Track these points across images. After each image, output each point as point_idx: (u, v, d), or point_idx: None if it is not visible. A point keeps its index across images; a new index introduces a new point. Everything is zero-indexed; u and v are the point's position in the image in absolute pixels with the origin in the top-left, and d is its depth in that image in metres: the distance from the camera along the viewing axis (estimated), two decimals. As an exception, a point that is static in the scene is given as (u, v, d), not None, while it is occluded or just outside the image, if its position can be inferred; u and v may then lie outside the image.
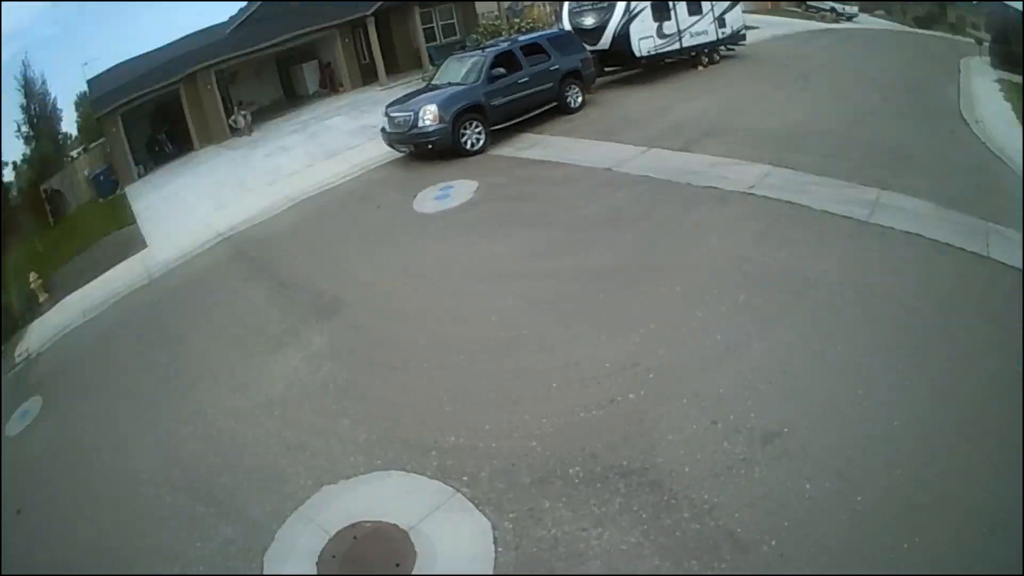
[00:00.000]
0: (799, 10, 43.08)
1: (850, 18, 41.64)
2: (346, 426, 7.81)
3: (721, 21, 25.61)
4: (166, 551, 6.76)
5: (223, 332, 11.12)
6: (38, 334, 14.45)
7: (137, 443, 8.71)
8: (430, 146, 16.36)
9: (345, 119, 23.87)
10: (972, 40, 32.57)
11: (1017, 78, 22.26)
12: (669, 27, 23.40)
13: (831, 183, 12.15)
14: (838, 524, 5.47)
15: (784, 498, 5.77)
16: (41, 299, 16.46)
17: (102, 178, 26.98)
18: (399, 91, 22.23)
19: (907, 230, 10.22)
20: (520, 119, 17.99)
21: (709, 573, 5.27)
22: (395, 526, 6.23)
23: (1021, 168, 12.80)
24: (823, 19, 40.20)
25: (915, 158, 13.81)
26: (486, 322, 9.33)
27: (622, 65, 23.34)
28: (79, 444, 9.31)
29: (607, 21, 22.13)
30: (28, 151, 32.72)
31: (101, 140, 28.88)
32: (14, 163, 30.09)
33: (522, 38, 20.13)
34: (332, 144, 21.07)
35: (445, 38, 31.34)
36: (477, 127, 16.77)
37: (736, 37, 26.73)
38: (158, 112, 28.95)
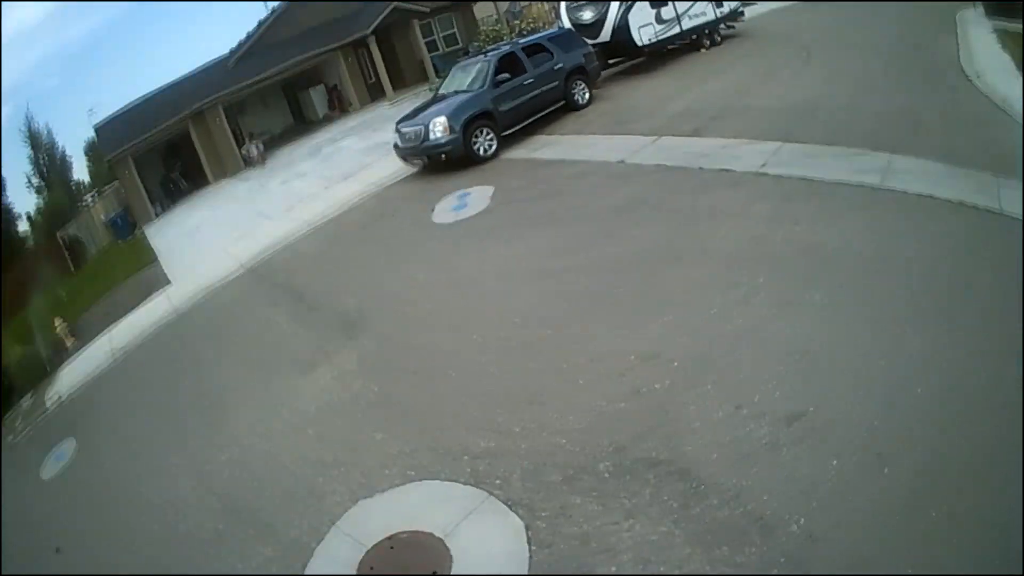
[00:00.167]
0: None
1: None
2: (378, 439, 7.90)
3: (719, 1, 25.54)
4: (206, 567, 6.93)
5: (252, 357, 11.29)
6: (68, 379, 14.69)
7: (173, 473, 8.87)
8: (443, 157, 16.46)
9: (357, 139, 24.04)
10: None
11: (1014, 26, 21.98)
12: (667, 12, 23.30)
13: (841, 153, 12.05)
14: (866, 498, 5.41)
15: (811, 477, 5.72)
16: (68, 344, 16.70)
17: (119, 221, 27.39)
18: (407, 105, 22.38)
19: (920, 192, 10.08)
20: (529, 121, 18.04)
21: (739, 558, 5.24)
22: (430, 534, 6.28)
23: (1022, 118, 12.48)
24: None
25: (921, 119, 13.62)
26: (509, 323, 9.40)
27: (625, 56, 23.30)
28: (115, 479, 9.52)
29: (605, 14, 22.11)
30: (41, 201, 33.25)
31: (114, 183, 29.27)
32: (28, 215, 30.64)
33: (523, 40, 20.18)
34: (346, 165, 21.25)
35: (448, 47, 31.46)
36: (488, 133, 16.86)
37: (735, 14, 26.61)
38: (169, 150, 29.34)
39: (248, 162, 26.81)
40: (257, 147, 26.99)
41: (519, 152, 16.90)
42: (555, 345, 8.58)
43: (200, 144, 27.42)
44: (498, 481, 6.67)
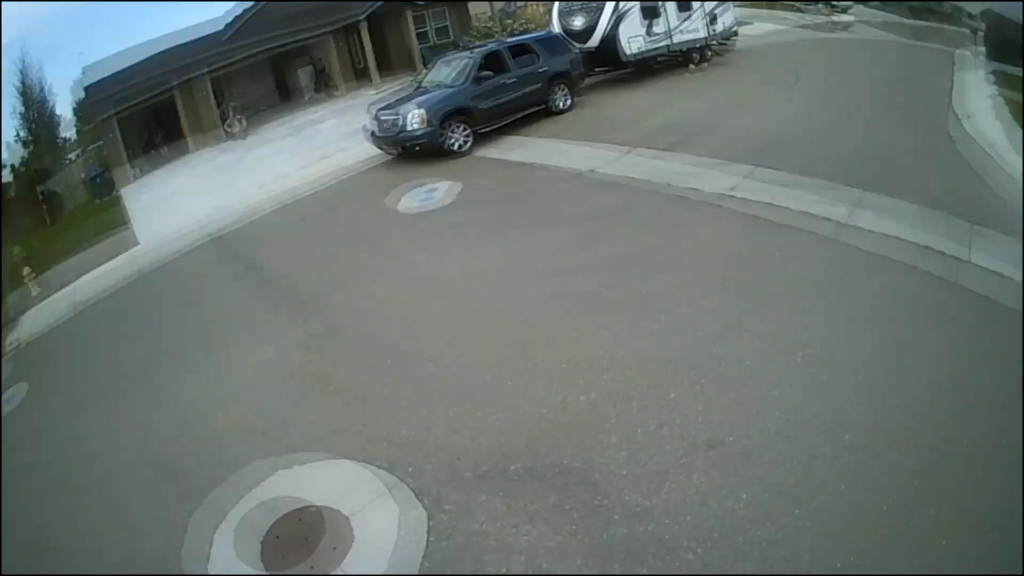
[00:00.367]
0: (795, 4, 43.10)
1: (845, 10, 41.61)
2: (308, 417, 8.07)
3: (712, 19, 25.70)
4: (131, 524, 7.04)
5: (206, 325, 11.35)
6: (29, 325, 14.73)
7: (114, 426, 8.98)
8: (417, 148, 16.55)
9: (337, 122, 24.07)
10: (967, 31, 32.55)
11: (1012, 70, 22.13)
12: (658, 27, 23.49)
13: (812, 184, 12.15)
14: (771, 536, 5.45)
15: (719, 506, 5.77)
16: (34, 293, 16.71)
17: (98, 180, 27.28)
18: (392, 92, 22.42)
19: (886, 233, 10.14)
20: (507, 120, 18.13)
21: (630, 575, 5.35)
22: (338, 512, 6.48)
23: (1022, 171, 12.30)
24: (819, 13, 40.17)
25: (901, 157, 13.78)
26: (455, 320, 9.53)
27: (611, 66, 23.37)
28: (60, 425, 9.57)
29: (596, 22, 22.24)
30: (26, 155, 33.12)
31: (98, 143, 29.17)
32: (12, 167, 30.48)
33: (510, 40, 20.35)
34: (324, 146, 21.30)
35: (439, 40, 31.49)
36: (464, 129, 16.95)
37: (727, 36, 26.86)
38: (154, 115, 29.18)
39: (229, 134, 26.80)
40: (240, 120, 26.96)
41: (492, 151, 16.99)
42: (497, 346, 8.70)
43: (185, 113, 27.38)
44: (411, 470, 6.79)
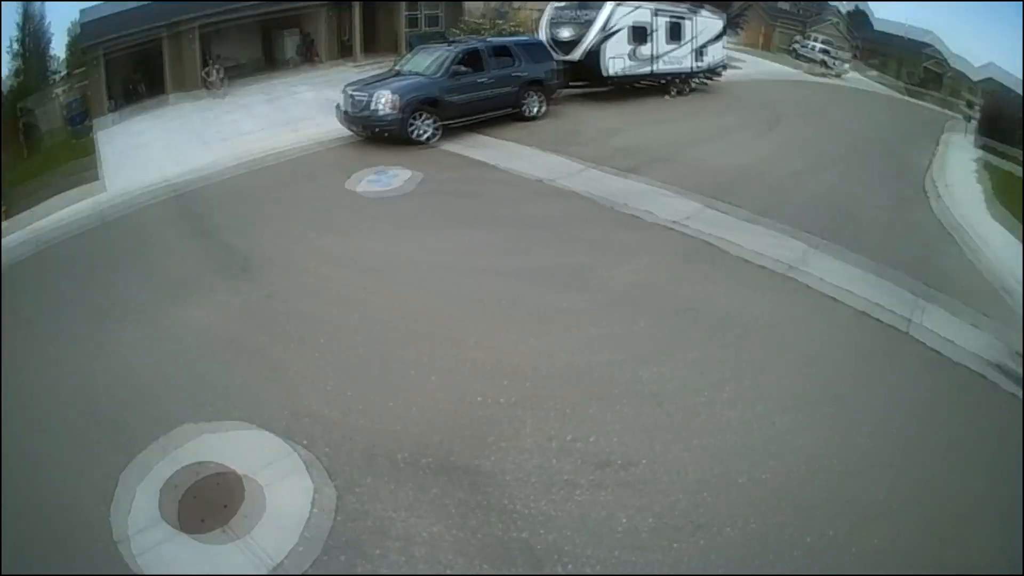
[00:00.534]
0: (790, 55, 43.32)
1: (839, 74, 41.88)
2: (236, 382, 8.23)
3: (700, 53, 26.04)
4: (54, 459, 7.19)
5: (152, 278, 11.36)
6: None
7: (54, 370, 9.01)
8: (384, 133, 16.70)
9: (312, 91, 24.10)
10: (961, 116, 32.97)
11: (1012, 151, 22.39)
12: (644, 51, 23.72)
13: (765, 227, 12.42)
14: (674, 561, 5.64)
15: (598, 525, 5.94)
16: (4, 225, 16.60)
17: (77, 117, 27.12)
18: (371, 72, 22.49)
19: (827, 286, 10.36)
20: (476, 118, 18.30)
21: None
22: (234, 471, 6.74)
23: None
24: (811, 71, 40.43)
25: (862, 216, 14.03)
26: (392, 309, 9.72)
27: (589, 81, 23.50)
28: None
29: (582, 36, 22.37)
30: (15, 84, 32.79)
31: (82, 69, 28.99)
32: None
33: (493, 40, 20.47)
34: (294, 113, 21.37)
35: (428, 27, 31.56)
36: (431, 120, 17.11)
37: (713, 71, 27.20)
38: (140, 61, 28.99)
39: (208, 85, 26.77)
40: (219, 72, 26.94)
41: (457, 146, 17.13)
42: (427, 339, 8.88)
43: (169, 59, 27.26)
44: (328, 449, 7.02)
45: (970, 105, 30.60)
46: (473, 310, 9.56)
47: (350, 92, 17.39)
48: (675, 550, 5.71)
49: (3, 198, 17.81)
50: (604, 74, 22.67)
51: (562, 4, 23.62)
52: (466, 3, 31.87)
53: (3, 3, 26.56)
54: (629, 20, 22.95)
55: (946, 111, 35.30)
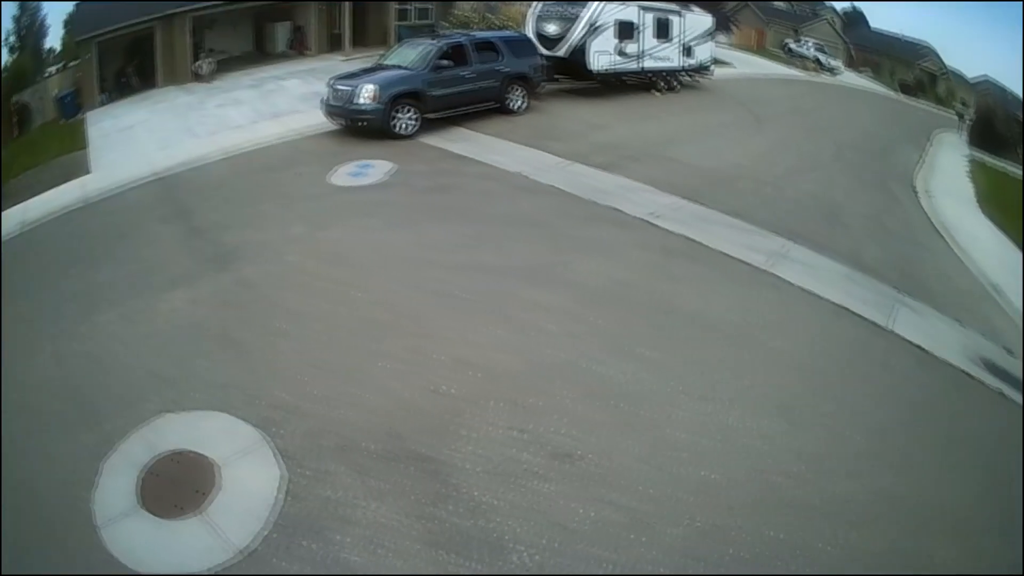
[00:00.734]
0: (782, 54, 43.36)
1: (833, 72, 41.95)
2: (204, 367, 8.42)
3: (688, 51, 26.13)
4: (36, 446, 7.32)
5: (131, 265, 11.51)
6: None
7: (32, 349, 9.19)
8: (362, 124, 16.85)
9: (300, 83, 24.19)
10: (955, 115, 33.07)
11: (990, 159, 22.49)
12: (631, 48, 23.82)
13: (739, 226, 12.49)
14: (611, 558, 5.72)
15: (559, 516, 6.08)
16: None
17: (67, 99, 27.26)
18: (359, 64, 22.62)
19: (803, 286, 10.43)
20: (458, 112, 18.45)
21: (460, 569, 5.67)
22: (209, 459, 6.93)
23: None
24: (804, 68, 40.53)
25: (843, 216, 14.14)
26: (359, 299, 9.88)
27: (575, 76, 23.61)
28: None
29: (568, 31, 22.48)
30: (10, 62, 32.93)
31: (77, 61, 29.12)
32: (-6, 68, 30.39)
33: (477, 34, 20.55)
34: (281, 105, 21.50)
35: (418, 20, 31.65)
36: (412, 113, 17.21)
37: (701, 69, 27.29)
38: (132, 46, 29.13)
39: (198, 76, 26.91)
40: (209, 63, 27.09)
41: (437, 139, 17.25)
42: (391, 330, 9.06)
43: (161, 48, 27.41)
44: (281, 432, 7.18)
45: (964, 104, 30.75)
46: (440, 304, 9.69)
47: (334, 84, 17.52)
48: (611, 548, 5.83)
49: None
50: (590, 70, 22.77)
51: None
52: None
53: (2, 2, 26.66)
54: (616, 16, 23.07)
55: (940, 110, 35.48)
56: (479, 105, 18.94)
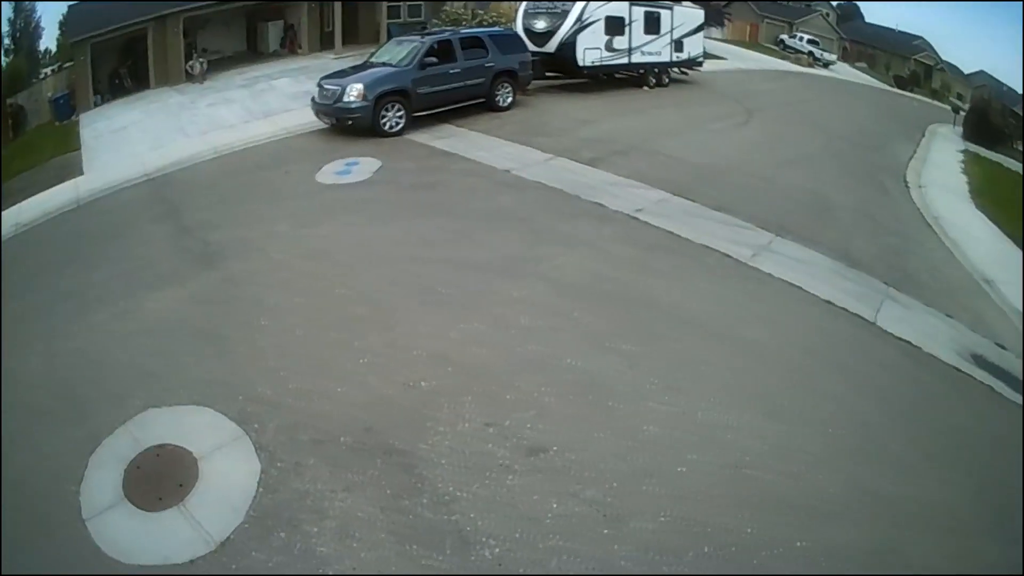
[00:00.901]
0: (776, 48, 43.49)
1: (827, 65, 42.05)
2: (189, 363, 8.50)
3: (678, 45, 26.23)
4: (30, 442, 7.41)
5: (123, 264, 11.61)
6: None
7: (25, 346, 9.29)
8: (350, 122, 16.96)
9: (291, 82, 24.31)
10: (949, 108, 33.14)
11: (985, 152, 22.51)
12: (620, 42, 23.90)
13: (725, 220, 12.49)
14: (575, 549, 5.75)
15: (529, 511, 6.09)
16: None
17: (61, 101, 27.39)
18: (351, 62, 22.74)
19: (788, 280, 10.38)
20: (445, 108, 18.56)
21: (427, 561, 5.71)
22: (190, 453, 7.06)
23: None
24: (798, 62, 40.62)
25: (834, 210, 14.12)
26: (339, 294, 9.94)
27: (564, 72, 23.69)
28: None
29: (557, 27, 22.56)
30: (5, 64, 33.03)
31: (71, 63, 29.23)
32: (-12, 74, 30.49)
33: (464, 31, 20.66)
34: (271, 104, 21.67)
35: (410, 17, 31.80)
36: (398, 110, 17.33)
37: (691, 63, 27.37)
38: (125, 47, 29.26)
39: (190, 76, 27.04)
40: (201, 64, 27.20)
41: (423, 136, 17.35)
42: (371, 325, 9.10)
43: (153, 48, 27.52)
44: (257, 425, 7.27)
45: (959, 98, 30.85)
46: (420, 299, 9.74)
47: (322, 82, 17.67)
48: (577, 541, 5.87)
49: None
50: (579, 65, 22.83)
51: None
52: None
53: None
54: (605, 11, 23.16)
55: (934, 102, 35.57)
56: (467, 102, 19.04)
